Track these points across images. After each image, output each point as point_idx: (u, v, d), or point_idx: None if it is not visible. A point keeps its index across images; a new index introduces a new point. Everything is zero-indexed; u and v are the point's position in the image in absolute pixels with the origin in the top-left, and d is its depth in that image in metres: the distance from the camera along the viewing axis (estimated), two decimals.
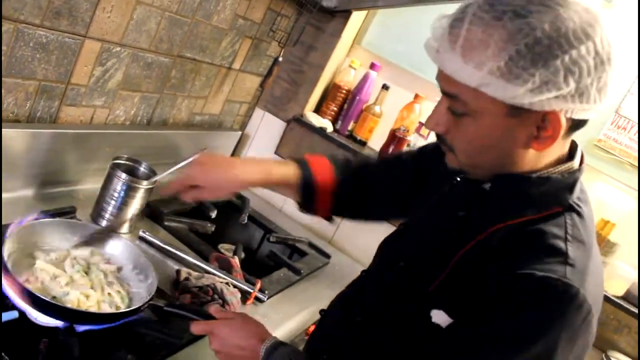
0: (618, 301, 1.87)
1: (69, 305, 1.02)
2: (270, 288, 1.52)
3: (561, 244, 0.81)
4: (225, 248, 1.76)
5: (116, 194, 1.45)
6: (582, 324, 0.79)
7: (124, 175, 1.44)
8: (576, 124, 0.82)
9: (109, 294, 1.11)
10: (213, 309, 1.11)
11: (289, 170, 1.22)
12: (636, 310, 1.87)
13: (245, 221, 1.88)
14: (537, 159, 0.85)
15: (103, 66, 1.48)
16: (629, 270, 1.90)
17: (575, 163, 0.88)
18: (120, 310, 1.06)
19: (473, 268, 0.85)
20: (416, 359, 0.88)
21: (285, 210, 2.18)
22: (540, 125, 0.79)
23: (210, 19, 1.72)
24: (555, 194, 0.86)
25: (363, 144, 2.17)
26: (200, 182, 1.15)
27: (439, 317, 0.87)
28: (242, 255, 1.75)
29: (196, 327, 1.08)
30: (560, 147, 0.87)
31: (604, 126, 2.00)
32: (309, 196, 1.23)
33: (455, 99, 0.81)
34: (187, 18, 1.63)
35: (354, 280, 1.16)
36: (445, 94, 0.84)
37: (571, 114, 0.78)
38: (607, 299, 1.86)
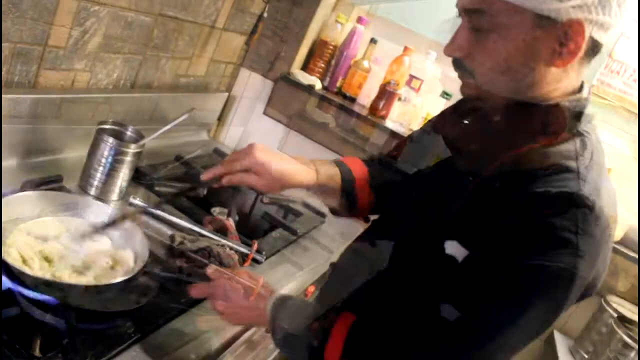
0: (615, 246, 1.87)
1: (62, 280, 0.98)
2: (267, 249, 1.48)
3: (572, 163, 0.82)
4: (218, 212, 1.72)
5: (104, 160, 1.40)
6: (602, 237, 0.80)
7: (111, 140, 1.39)
8: (592, 48, 0.82)
9: (107, 262, 1.07)
10: (210, 270, 1.08)
11: (330, 169, 1.18)
12: (633, 255, 1.88)
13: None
14: (553, 85, 0.85)
15: (82, 26, 1.41)
16: (625, 215, 1.89)
17: (584, 93, 0.89)
18: (113, 282, 1.01)
19: (487, 196, 0.86)
20: (434, 293, 0.86)
21: None
22: (562, 41, 0.80)
23: None
24: (564, 122, 0.86)
25: (352, 100, 2.13)
26: (256, 167, 1.06)
27: (453, 249, 0.86)
28: (237, 218, 1.72)
29: (196, 291, 1.05)
30: (573, 78, 0.87)
31: (597, 71, 1.97)
32: (350, 192, 1.19)
33: (481, 15, 0.82)
34: None
35: (364, 230, 1.15)
36: (469, 11, 0.84)
37: (592, 28, 0.79)
38: None
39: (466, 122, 0.98)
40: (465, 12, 0.85)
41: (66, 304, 0.95)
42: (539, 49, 0.81)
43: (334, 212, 1.26)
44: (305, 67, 2.18)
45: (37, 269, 0.98)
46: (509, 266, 0.80)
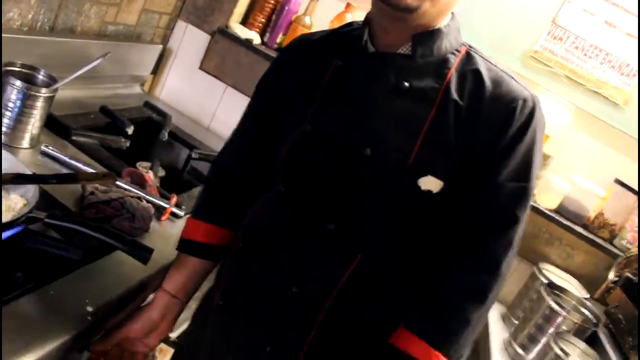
0: (550, 214, 1.87)
1: None
2: (189, 204, 1.42)
3: (498, 70, 0.93)
4: (144, 166, 1.64)
5: (11, 104, 1.31)
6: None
7: (18, 82, 1.29)
8: None
9: None
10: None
11: (184, 270, 1.07)
12: (568, 224, 1.88)
13: (166, 137, 1.77)
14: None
15: None
16: (561, 183, 1.89)
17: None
18: None
19: (443, 124, 0.89)
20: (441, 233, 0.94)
21: (212, 128, 2.07)
22: None
23: None
24: (456, 37, 0.95)
25: None
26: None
27: (429, 183, 0.89)
28: (162, 172, 1.65)
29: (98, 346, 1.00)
30: None
31: (540, 37, 1.95)
32: (214, 254, 1.09)
33: None
34: None
35: (277, 200, 1.03)
36: None
37: None
38: (539, 212, 1.86)
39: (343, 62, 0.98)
40: None
41: None
42: None
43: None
44: (245, 22, 2.09)
45: None
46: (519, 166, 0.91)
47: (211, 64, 2.05)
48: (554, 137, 1.89)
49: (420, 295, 0.94)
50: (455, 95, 0.90)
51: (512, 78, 0.93)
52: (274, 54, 1.99)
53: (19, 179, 1.05)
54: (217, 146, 1.90)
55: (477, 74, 0.91)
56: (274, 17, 2.06)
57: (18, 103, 1.31)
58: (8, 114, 1.31)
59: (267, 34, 2.07)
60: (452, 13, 0.95)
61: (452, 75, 0.91)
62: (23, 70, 1.36)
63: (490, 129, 0.89)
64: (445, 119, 0.89)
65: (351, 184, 0.93)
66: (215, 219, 1.10)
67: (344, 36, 1.01)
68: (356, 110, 0.94)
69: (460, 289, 0.91)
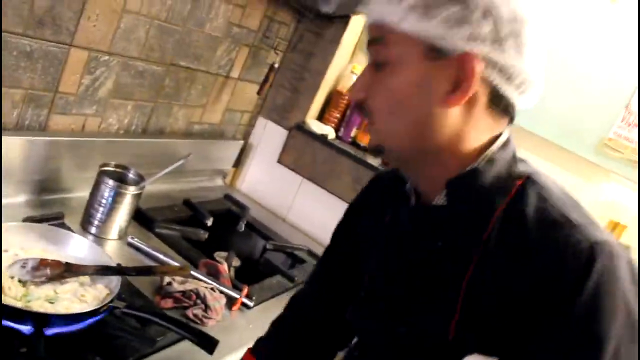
0: None
1: (35, 309, 1.01)
2: (259, 294, 1.49)
3: (554, 212, 0.74)
4: (221, 256, 1.74)
5: (104, 200, 1.46)
6: (632, 277, 0.71)
7: (110, 182, 1.45)
8: (496, 98, 0.77)
9: (81, 295, 1.10)
10: None
11: None
12: None
13: (243, 229, 1.87)
14: (461, 139, 0.79)
15: (92, 74, 1.50)
16: None
17: (503, 137, 0.82)
18: (73, 312, 1.03)
19: (484, 288, 0.76)
20: None
21: (289, 220, 2.16)
22: (456, 79, 0.74)
23: (202, 27, 1.73)
24: (508, 172, 0.80)
25: (366, 150, 2.15)
26: None
27: None
28: (238, 263, 1.74)
29: None
30: (484, 130, 0.80)
31: (614, 124, 1.93)
32: None
33: (378, 45, 0.78)
34: (177, 26, 1.65)
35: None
36: (370, 43, 0.80)
37: (490, 71, 0.74)
38: None
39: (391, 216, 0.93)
40: (368, 45, 0.81)
41: (35, 333, 0.98)
42: (431, 87, 0.75)
43: None
44: (320, 117, 2.22)
45: (11, 296, 1.02)
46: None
47: (289, 158, 2.17)
48: (630, 225, 1.83)
49: None
50: (495, 248, 0.76)
51: (576, 224, 0.72)
52: (348, 148, 2.09)
53: (102, 271, 1.16)
54: (292, 237, 2.00)
55: (522, 216, 0.75)
56: (348, 112, 2.18)
57: (109, 199, 1.46)
58: (100, 208, 1.46)
59: (342, 129, 2.18)
60: (508, 139, 0.82)
61: (496, 221, 0.77)
62: (116, 170, 1.52)
63: (532, 286, 0.72)
64: (484, 281, 0.76)
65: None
66: None
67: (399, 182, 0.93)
68: (395, 276, 0.89)
69: None
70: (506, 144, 0.81)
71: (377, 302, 0.91)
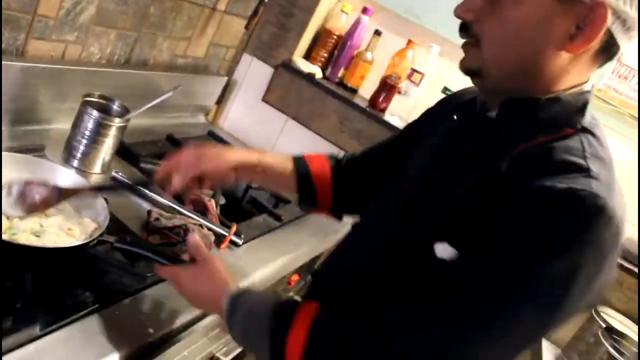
0: None
1: (20, 242, 0.97)
2: (247, 233, 1.47)
3: (580, 160, 0.74)
4: (205, 193, 1.70)
5: (87, 132, 1.39)
6: (611, 241, 0.71)
7: (95, 113, 1.38)
8: (608, 47, 0.77)
9: (68, 228, 1.06)
10: (191, 240, 1.04)
11: (283, 159, 1.18)
12: (630, 267, 1.82)
13: None
14: (558, 77, 0.78)
15: None
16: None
17: (586, 86, 0.82)
18: (61, 246, 0.99)
19: (481, 196, 0.78)
20: (426, 295, 0.78)
21: None
22: (580, 24, 0.74)
23: None
24: (567, 116, 0.80)
25: (354, 91, 2.10)
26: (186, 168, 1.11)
27: (444, 251, 0.80)
28: (222, 200, 1.70)
29: (162, 272, 1.03)
30: (579, 73, 0.79)
31: (605, 75, 1.92)
32: (306, 187, 1.18)
33: None
34: None
35: (345, 236, 1.08)
36: None
37: (614, 22, 0.74)
38: None
39: (457, 117, 0.95)
40: None
41: (22, 267, 0.94)
42: (553, 26, 0.75)
43: (299, 204, 1.25)
44: (307, 56, 2.15)
45: None
46: (507, 265, 0.72)
47: (274, 96, 2.11)
48: (620, 177, 1.85)
49: None
50: (505, 172, 0.78)
51: (596, 178, 0.72)
52: (335, 88, 2.04)
53: (109, 188, 1.21)
54: None
55: (547, 157, 0.76)
56: (336, 52, 2.12)
57: (93, 132, 1.39)
58: (83, 141, 1.40)
59: (329, 69, 2.13)
60: (589, 91, 0.82)
61: (521, 150, 0.79)
62: (100, 100, 1.45)
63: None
64: (478, 193, 0.80)
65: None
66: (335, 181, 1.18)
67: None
68: (422, 175, 0.94)
69: None
70: (583, 93, 0.81)
71: (398, 195, 0.96)
